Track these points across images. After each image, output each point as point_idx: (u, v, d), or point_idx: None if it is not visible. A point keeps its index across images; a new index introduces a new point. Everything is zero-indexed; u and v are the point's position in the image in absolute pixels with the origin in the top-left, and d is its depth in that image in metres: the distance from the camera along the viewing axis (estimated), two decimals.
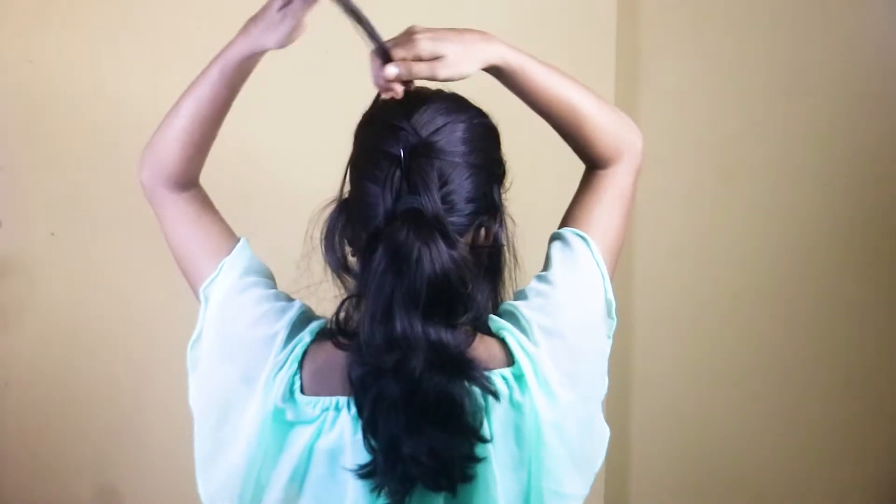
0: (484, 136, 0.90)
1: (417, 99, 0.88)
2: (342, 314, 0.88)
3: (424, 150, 0.84)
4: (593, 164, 0.99)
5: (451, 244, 0.82)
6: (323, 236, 0.90)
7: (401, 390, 0.80)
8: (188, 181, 0.99)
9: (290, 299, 0.94)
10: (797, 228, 1.93)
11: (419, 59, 0.84)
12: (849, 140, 1.89)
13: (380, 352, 0.80)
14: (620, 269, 1.96)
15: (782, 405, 1.97)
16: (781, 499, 1.99)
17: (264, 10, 0.89)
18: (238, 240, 0.98)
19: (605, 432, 0.95)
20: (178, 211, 0.98)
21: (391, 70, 0.84)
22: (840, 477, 1.96)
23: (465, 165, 0.86)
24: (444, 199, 0.83)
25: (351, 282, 0.89)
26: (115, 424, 1.85)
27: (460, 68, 0.86)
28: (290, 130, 1.79)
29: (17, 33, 1.75)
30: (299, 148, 1.75)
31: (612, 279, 0.96)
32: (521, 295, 0.94)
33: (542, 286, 0.92)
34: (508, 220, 0.94)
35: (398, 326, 0.79)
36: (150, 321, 1.82)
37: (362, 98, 0.93)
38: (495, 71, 0.90)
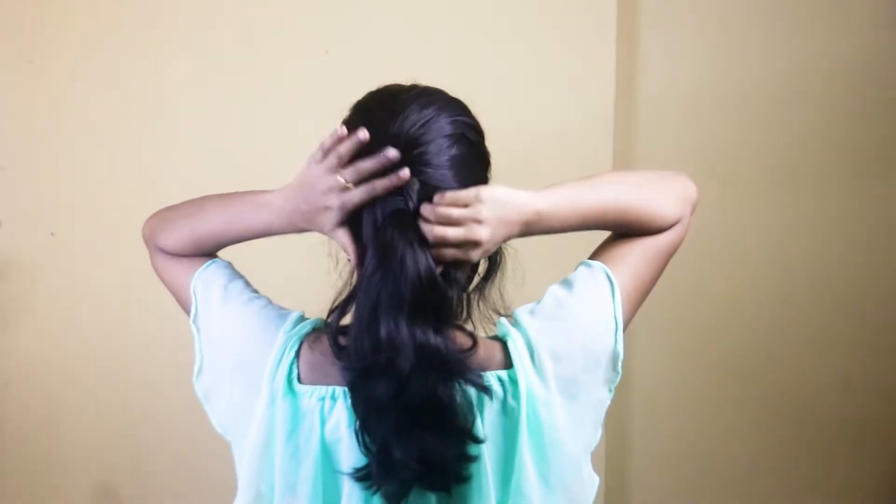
0: (467, 134, 0.87)
1: (398, 98, 0.86)
2: (337, 317, 0.86)
3: (407, 151, 0.82)
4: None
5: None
6: None
7: (390, 392, 0.79)
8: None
9: (269, 300, 0.94)
10: (796, 231, 1.92)
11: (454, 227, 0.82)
12: (847, 142, 1.89)
13: (368, 355, 0.79)
14: None
15: (782, 405, 1.97)
16: (782, 499, 1.99)
17: (309, 191, 0.88)
18: (209, 262, 0.97)
19: (593, 480, 0.91)
20: (171, 263, 1.00)
21: (432, 232, 0.81)
22: (840, 477, 1.96)
23: (450, 165, 0.84)
24: (429, 200, 0.82)
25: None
26: (115, 424, 1.85)
27: (490, 249, 0.84)
28: (289, 132, 1.79)
29: (17, 33, 1.75)
30: (300, 148, 1.74)
31: (626, 327, 0.92)
32: (536, 308, 0.90)
33: (558, 311, 0.89)
34: None
35: (382, 330, 0.78)
36: (151, 321, 1.82)
37: None
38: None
